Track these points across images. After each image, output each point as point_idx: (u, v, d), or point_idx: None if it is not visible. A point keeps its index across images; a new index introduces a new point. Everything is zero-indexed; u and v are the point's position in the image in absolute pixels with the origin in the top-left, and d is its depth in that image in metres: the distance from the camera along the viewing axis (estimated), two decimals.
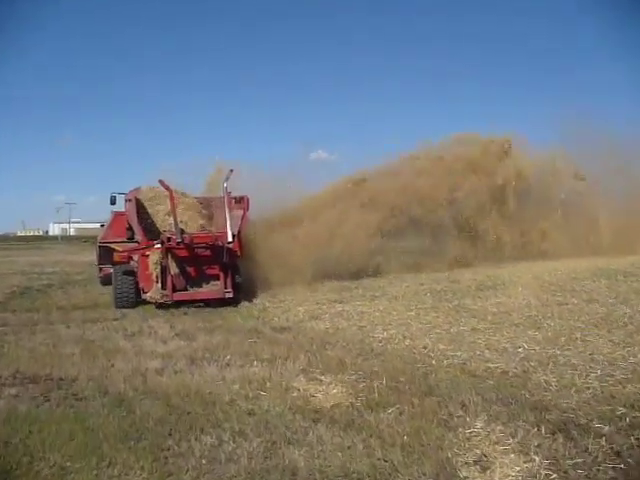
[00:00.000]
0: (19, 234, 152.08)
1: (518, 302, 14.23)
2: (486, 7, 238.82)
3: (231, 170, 17.40)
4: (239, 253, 16.74)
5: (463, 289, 17.05)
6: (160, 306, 15.82)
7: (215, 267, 16.61)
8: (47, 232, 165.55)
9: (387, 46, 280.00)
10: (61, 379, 8.55)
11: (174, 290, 16.04)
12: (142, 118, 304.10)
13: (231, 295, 16.24)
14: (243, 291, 17.25)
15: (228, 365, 9.24)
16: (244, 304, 16.36)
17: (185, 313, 14.94)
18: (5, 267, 33.35)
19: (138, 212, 17.88)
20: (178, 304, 15.91)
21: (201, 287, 16.72)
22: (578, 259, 21.96)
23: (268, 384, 8.01)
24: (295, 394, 7.61)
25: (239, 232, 16.83)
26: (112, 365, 9.38)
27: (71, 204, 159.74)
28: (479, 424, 6.26)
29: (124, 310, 15.60)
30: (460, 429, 6.18)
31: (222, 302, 16.10)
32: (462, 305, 14.30)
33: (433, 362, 9.11)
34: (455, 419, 6.47)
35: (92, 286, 21.94)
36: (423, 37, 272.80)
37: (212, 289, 16.55)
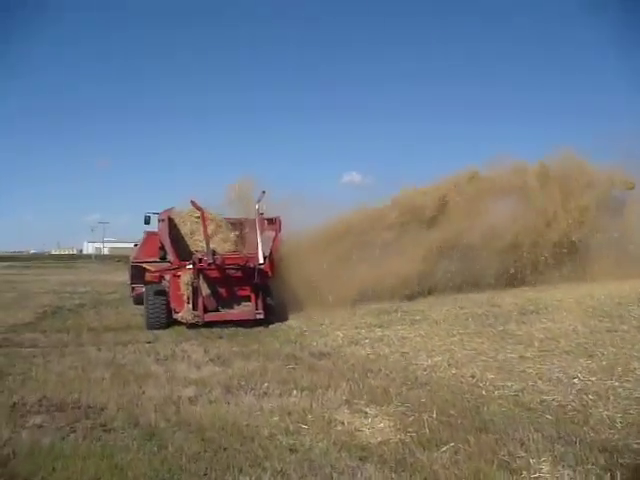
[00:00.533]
0: (53, 252, 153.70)
1: (564, 328, 13.51)
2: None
3: (263, 192, 17.15)
4: (270, 274, 16.57)
5: (505, 313, 16.33)
6: (192, 327, 15.62)
7: (246, 288, 16.57)
8: (81, 251, 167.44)
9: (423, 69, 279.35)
10: (89, 407, 8.05)
11: (205, 311, 15.98)
12: (176, 137, 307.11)
13: (262, 316, 16.16)
14: (277, 313, 17.11)
15: (266, 394, 8.69)
16: (280, 327, 15.96)
17: (220, 337, 14.47)
18: (38, 286, 33.29)
19: (170, 232, 17.87)
20: (210, 325, 15.78)
21: (232, 308, 16.67)
22: (618, 282, 21.02)
23: (309, 416, 7.46)
24: (339, 428, 7.05)
25: (271, 253, 16.70)
26: (143, 392, 8.88)
27: (105, 223, 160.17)
28: (545, 467, 5.68)
29: (157, 332, 15.16)
30: (524, 472, 5.61)
31: (256, 324, 15.86)
32: (507, 330, 13.63)
33: (483, 393, 8.55)
34: (517, 460, 5.88)
35: (124, 307, 21.63)
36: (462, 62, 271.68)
37: (243, 310, 16.49)
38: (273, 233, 17.77)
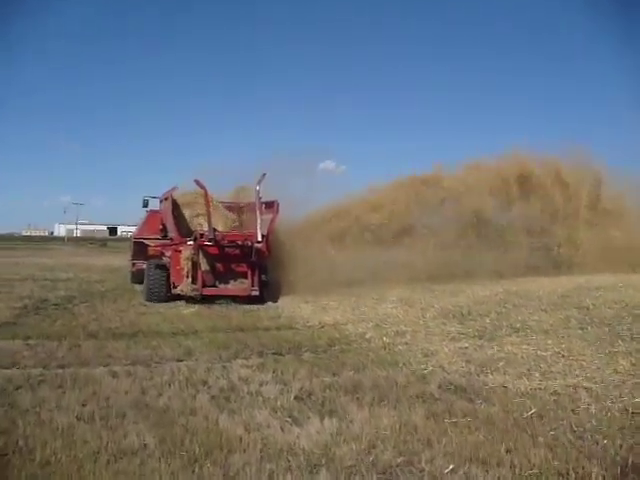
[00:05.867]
0: (24, 234, 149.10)
1: None
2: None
3: (264, 174, 17.72)
4: (267, 254, 17.41)
5: (613, 318, 12.67)
6: (189, 300, 16.63)
7: (243, 265, 17.35)
8: (52, 233, 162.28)
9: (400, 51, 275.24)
10: None
11: (203, 285, 16.91)
12: (151, 121, 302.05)
13: (257, 293, 17.06)
14: (271, 291, 18.07)
15: None
16: (348, 335, 12.17)
17: (278, 352, 10.27)
18: (11, 270, 28.06)
19: (173, 211, 18.76)
20: (211, 300, 16.68)
21: (229, 284, 17.46)
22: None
23: None
24: None
25: (268, 234, 17.36)
26: None
27: (78, 204, 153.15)
28: None
29: (185, 343, 10.90)
30: None
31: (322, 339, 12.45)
32: None
33: None
34: None
35: (123, 300, 17.45)
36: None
37: (239, 286, 17.36)
38: (270, 216, 18.18)
